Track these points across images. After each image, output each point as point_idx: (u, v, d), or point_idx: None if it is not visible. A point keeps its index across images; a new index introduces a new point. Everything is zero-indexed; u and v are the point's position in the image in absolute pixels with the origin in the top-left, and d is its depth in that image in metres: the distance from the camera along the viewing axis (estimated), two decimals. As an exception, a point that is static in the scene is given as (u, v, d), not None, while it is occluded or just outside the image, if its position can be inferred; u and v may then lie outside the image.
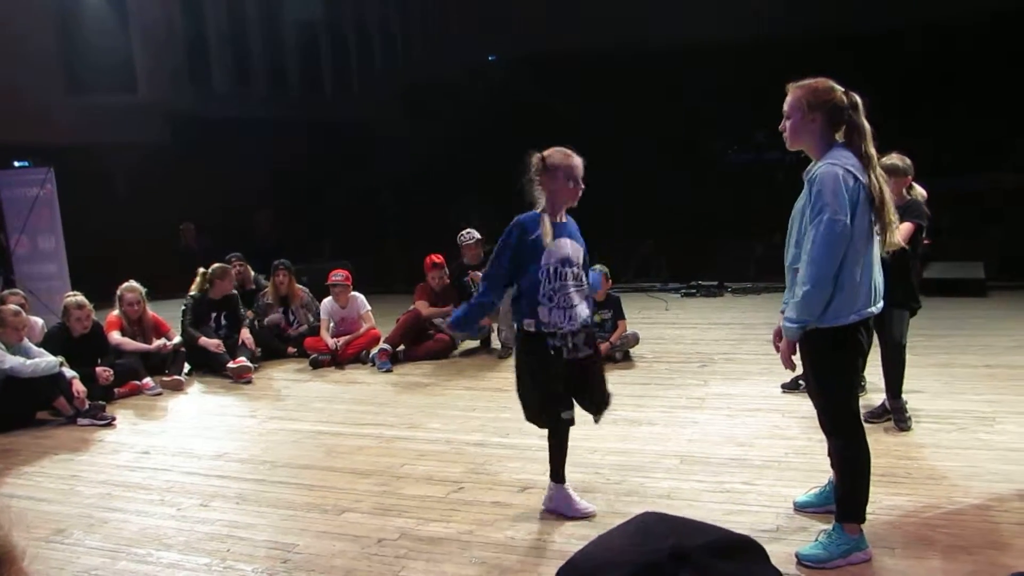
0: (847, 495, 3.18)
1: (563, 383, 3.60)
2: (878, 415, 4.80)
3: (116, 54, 13.26)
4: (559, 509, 3.72)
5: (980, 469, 4.00)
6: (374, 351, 7.38)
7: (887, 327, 4.68)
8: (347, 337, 7.47)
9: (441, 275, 7.63)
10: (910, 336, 4.75)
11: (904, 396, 4.75)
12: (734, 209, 13.14)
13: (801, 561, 3.11)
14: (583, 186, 3.58)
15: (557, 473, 3.75)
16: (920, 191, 4.76)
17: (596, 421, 3.87)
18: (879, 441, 4.44)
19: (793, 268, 3.11)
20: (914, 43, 13.23)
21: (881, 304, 3.12)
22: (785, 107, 3.13)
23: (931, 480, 3.92)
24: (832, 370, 3.12)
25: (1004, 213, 11.70)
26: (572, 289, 3.56)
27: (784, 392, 5.59)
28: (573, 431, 4.55)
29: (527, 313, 3.54)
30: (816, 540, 3.19)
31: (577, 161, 3.54)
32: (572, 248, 3.61)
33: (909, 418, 4.69)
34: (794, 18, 13.92)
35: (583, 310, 3.62)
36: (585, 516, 3.67)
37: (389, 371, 7.01)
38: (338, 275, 7.66)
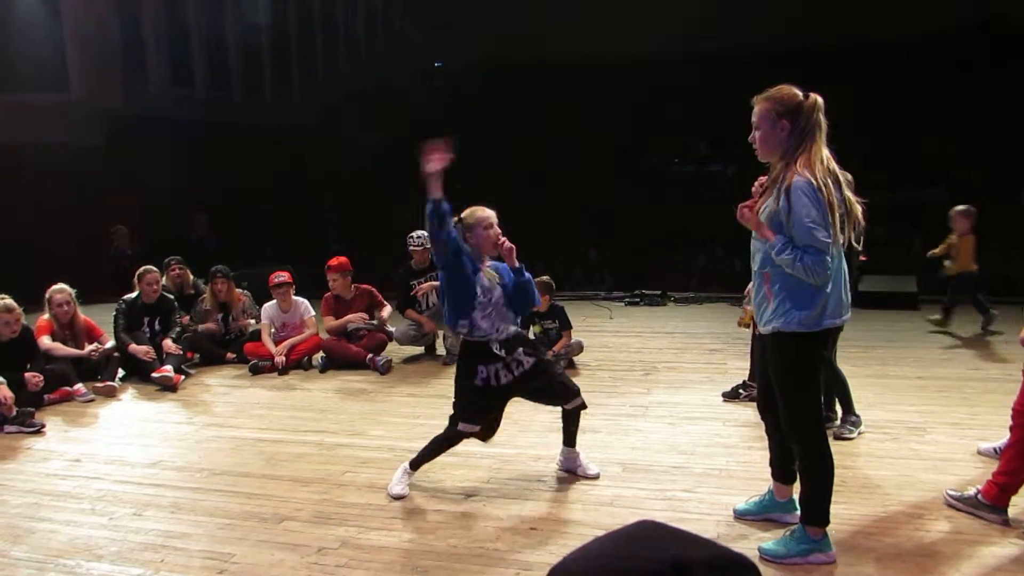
0: (807, 498, 3.27)
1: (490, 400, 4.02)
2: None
3: (47, 51, 12.82)
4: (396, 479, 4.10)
5: (912, 478, 4.12)
6: (317, 357, 7.30)
7: None
8: (290, 341, 7.34)
9: (339, 279, 7.36)
10: (845, 348, 4.87)
11: (839, 409, 4.88)
12: (677, 220, 13.36)
13: (761, 554, 3.23)
14: (493, 225, 3.95)
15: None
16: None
17: (566, 408, 4.19)
18: (816, 449, 4.54)
19: (761, 272, 3.19)
20: (854, 60, 13.64)
21: (848, 316, 3.19)
22: (753, 119, 3.17)
23: (865, 488, 4.02)
24: (793, 376, 3.19)
25: (936, 228, 12.10)
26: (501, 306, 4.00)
27: (725, 401, 5.67)
28: (518, 438, 4.59)
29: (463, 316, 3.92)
30: (781, 536, 3.30)
31: (486, 213, 3.95)
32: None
33: (852, 429, 4.80)
34: (737, 33, 14.24)
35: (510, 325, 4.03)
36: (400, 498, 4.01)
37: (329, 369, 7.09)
38: (280, 276, 7.52)
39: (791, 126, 3.07)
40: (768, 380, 3.37)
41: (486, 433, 4.13)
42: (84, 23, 13.30)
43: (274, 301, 7.55)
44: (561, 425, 4.30)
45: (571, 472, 4.28)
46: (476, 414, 4.04)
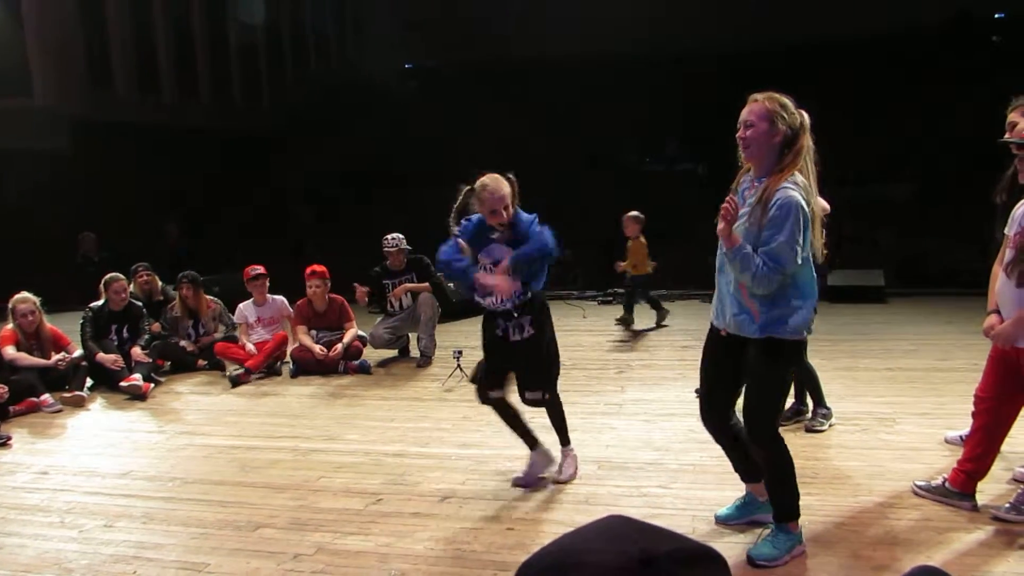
0: (779, 496, 3.29)
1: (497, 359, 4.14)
2: (787, 418, 4.95)
3: (9, 56, 12.62)
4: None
5: (882, 468, 4.17)
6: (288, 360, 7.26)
7: None
8: (264, 334, 7.36)
9: (321, 286, 7.28)
10: (815, 342, 4.92)
11: (809, 402, 4.94)
12: (649, 219, 13.41)
13: (755, 561, 3.18)
14: (497, 211, 3.92)
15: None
16: (824, 204, 4.93)
17: (524, 401, 4.22)
18: (788, 443, 4.56)
19: (724, 271, 3.22)
20: (818, 60, 13.82)
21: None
22: (748, 116, 3.06)
23: (837, 480, 4.07)
24: (777, 380, 3.24)
25: (902, 222, 12.28)
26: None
27: (698, 397, 5.70)
28: (494, 439, 4.60)
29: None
30: (762, 540, 3.28)
31: (492, 198, 3.91)
32: (500, 253, 3.99)
33: (823, 421, 4.85)
34: (701, 34, 14.35)
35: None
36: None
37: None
38: (256, 268, 7.48)
39: (787, 135, 3.02)
40: (714, 385, 3.41)
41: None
42: (47, 28, 13.09)
43: (249, 301, 7.50)
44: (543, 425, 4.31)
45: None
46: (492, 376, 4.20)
